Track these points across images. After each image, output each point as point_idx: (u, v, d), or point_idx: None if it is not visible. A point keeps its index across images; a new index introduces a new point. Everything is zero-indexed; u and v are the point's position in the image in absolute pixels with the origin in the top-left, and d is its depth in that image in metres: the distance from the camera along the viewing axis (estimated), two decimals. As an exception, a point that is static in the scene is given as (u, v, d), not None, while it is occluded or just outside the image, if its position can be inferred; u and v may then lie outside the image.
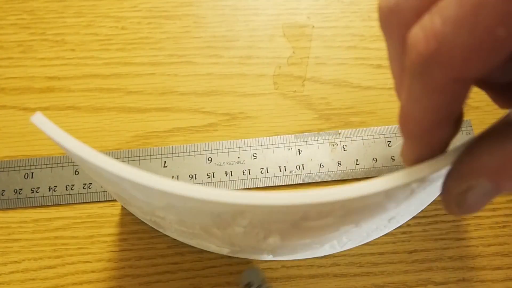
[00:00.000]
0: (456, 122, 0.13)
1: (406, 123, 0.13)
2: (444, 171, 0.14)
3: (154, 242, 0.27)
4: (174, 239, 0.26)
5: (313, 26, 0.33)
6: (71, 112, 0.30)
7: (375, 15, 0.33)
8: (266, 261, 0.26)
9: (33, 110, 0.30)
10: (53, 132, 0.15)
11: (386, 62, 0.31)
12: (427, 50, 0.11)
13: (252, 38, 0.32)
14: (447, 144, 0.14)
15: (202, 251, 0.26)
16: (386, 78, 0.31)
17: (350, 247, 0.25)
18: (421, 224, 0.27)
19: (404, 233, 0.27)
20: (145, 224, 0.27)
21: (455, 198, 0.13)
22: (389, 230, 0.26)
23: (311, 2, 0.33)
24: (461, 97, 0.12)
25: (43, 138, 0.29)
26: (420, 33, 0.11)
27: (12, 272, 0.26)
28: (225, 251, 0.25)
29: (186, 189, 0.13)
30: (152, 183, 0.13)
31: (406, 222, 0.27)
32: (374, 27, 0.32)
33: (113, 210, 0.27)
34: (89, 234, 0.27)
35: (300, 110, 0.30)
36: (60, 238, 0.27)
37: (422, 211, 0.27)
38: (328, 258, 0.26)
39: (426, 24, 0.11)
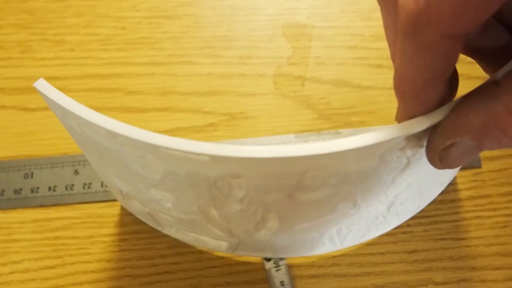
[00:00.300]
0: (451, 83, 0.14)
1: (400, 84, 0.13)
2: None
3: (154, 242, 0.26)
4: (174, 239, 0.26)
5: (313, 26, 0.33)
6: (71, 112, 0.29)
7: (376, 14, 0.33)
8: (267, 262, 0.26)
9: (33, 110, 0.30)
10: (56, 95, 0.15)
11: (386, 62, 0.31)
12: (416, 8, 0.11)
13: (252, 38, 0.32)
14: (441, 105, 0.14)
15: (202, 252, 0.26)
16: (386, 78, 0.31)
17: (351, 244, 0.25)
18: (421, 224, 0.27)
19: (404, 233, 0.27)
20: (145, 224, 0.27)
21: (439, 153, 0.14)
22: (390, 227, 0.26)
23: (311, 2, 0.33)
24: (452, 54, 0.12)
25: (43, 138, 0.29)
26: None
27: (12, 273, 0.26)
28: (223, 246, 0.25)
29: (183, 144, 0.13)
30: (149, 138, 0.14)
31: (406, 221, 0.27)
32: (374, 26, 0.32)
33: (113, 210, 0.27)
34: (89, 234, 0.27)
35: (300, 110, 0.30)
36: (60, 238, 0.27)
37: (422, 210, 0.27)
38: (328, 258, 0.26)
39: None
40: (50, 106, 0.16)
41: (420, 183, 0.21)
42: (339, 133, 0.29)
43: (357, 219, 0.22)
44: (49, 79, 0.30)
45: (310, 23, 0.33)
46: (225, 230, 0.21)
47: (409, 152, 0.16)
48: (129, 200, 0.23)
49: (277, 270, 0.25)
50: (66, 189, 0.27)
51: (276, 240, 0.22)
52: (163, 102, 0.30)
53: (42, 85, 0.15)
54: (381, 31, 0.32)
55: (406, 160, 0.16)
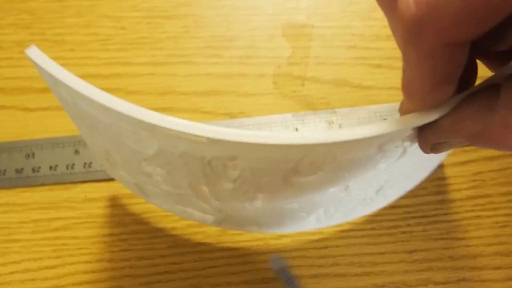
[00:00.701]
0: (466, 77, 0.13)
1: (408, 86, 0.13)
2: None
3: (154, 242, 0.27)
4: (174, 239, 0.26)
5: (313, 26, 0.33)
6: (71, 112, 0.30)
7: (375, 14, 0.33)
8: (266, 261, 0.26)
9: (33, 110, 0.30)
10: (48, 64, 0.15)
11: (386, 62, 0.31)
12: (417, 16, 0.11)
13: (251, 37, 0.32)
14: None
15: (202, 252, 0.26)
16: (386, 78, 0.31)
17: (336, 223, 0.25)
18: (421, 224, 0.27)
19: (404, 232, 0.27)
20: (145, 224, 0.27)
21: (431, 145, 0.15)
22: (376, 208, 0.26)
23: (311, 2, 0.33)
24: (457, 59, 0.12)
25: (43, 138, 0.29)
26: None
27: (12, 273, 0.26)
28: (209, 219, 0.24)
29: (181, 124, 0.13)
30: (147, 117, 0.13)
31: (406, 220, 0.27)
32: (374, 26, 0.32)
33: (113, 210, 0.27)
34: (89, 234, 0.27)
35: (300, 110, 0.30)
36: (60, 239, 0.27)
37: (422, 210, 0.27)
38: (328, 258, 0.26)
39: None
40: (42, 74, 0.16)
41: (411, 168, 0.22)
42: (336, 112, 0.29)
43: (346, 201, 0.22)
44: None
45: (309, 23, 0.33)
46: (213, 205, 0.21)
47: (406, 143, 0.16)
48: (116, 169, 0.22)
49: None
50: (67, 168, 0.28)
51: (263, 217, 0.22)
52: (163, 102, 0.30)
53: (34, 53, 0.15)
54: (381, 31, 0.32)
55: (402, 150, 0.16)
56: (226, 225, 0.25)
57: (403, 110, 0.15)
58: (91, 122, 0.17)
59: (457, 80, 0.13)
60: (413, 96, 0.13)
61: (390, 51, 0.31)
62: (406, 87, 0.13)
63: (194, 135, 0.13)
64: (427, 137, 0.14)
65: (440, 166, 0.28)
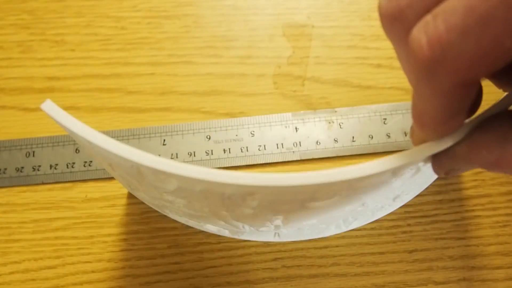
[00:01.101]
0: (472, 107, 0.14)
1: (419, 117, 0.13)
2: None
3: (154, 242, 0.27)
4: (175, 239, 0.26)
5: (313, 26, 0.33)
6: (71, 112, 0.30)
7: (375, 14, 0.33)
8: (266, 261, 0.26)
9: (33, 110, 0.30)
10: (64, 119, 0.15)
11: (386, 62, 0.31)
12: (432, 56, 0.11)
13: (251, 37, 0.32)
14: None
15: (202, 251, 0.26)
16: (386, 77, 0.31)
17: (356, 227, 0.26)
18: (421, 224, 0.27)
19: (404, 232, 0.27)
20: (145, 224, 0.27)
21: (445, 170, 0.15)
22: (392, 210, 0.26)
23: (311, 2, 0.33)
24: (469, 95, 0.12)
25: (43, 136, 0.29)
26: (423, 38, 0.11)
27: (12, 273, 0.26)
28: (226, 232, 0.25)
29: (198, 172, 0.13)
30: (167, 168, 0.14)
31: (406, 220, 0.27)
32: (374, 26, 0.32)
33: (113, 210, 0.27)
34: (89, 234, 0.27)
35: (300, 110, 0.30)
36: (60, 238, 0.27)
37: (422, 210, 0.27)
38: (328, 257, 0.26)
39: (429, 29, 0.11)
40: (59, 124, 0.16)
41: (425, 177, 0.22)
42: (336, 111, 0.29)
43: (364, 211, 0.23)
44: (49, 79, 0.30)
45: (310, 23, 0.33)
46: (233, 224, 0.22)
47: (420, 164, 0.16)
48: (138, 191, 0.23)
49: None
50: (67, 167, 0.28)
51: (283, 230, 0.23)
52: (163, 102, 0.30)
53: (49, 107, 0.15)
54: (381, 31, 0.32)
55: (416, 170, 0.17)
56: (244, 237, 0.25)
57: (415, 138, 0.15)
58: (110, 162, 0.17)
59: (468, 111, 0.13)
60: (425, 127, 0.13)
61: (390, 51, 0.31)
62: (418, 119, 0.13)
63: (211, 182, 0.14)
64: (442, 163, 0.15)
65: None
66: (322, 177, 0.13)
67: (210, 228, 0.25)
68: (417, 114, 0.13)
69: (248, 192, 0.15)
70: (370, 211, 0.24)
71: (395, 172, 0.15)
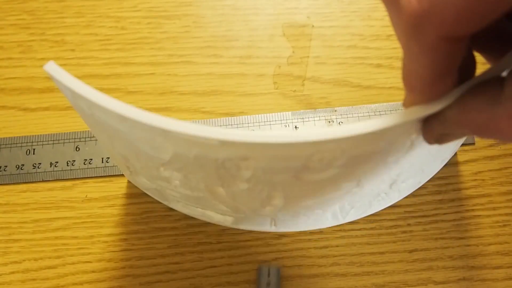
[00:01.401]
0: (466, 68, 0.14)
1: (408, 78, 0.14)
2: None
3: (154, 242, 0.27)
4: (175, 239, 0.26)
5: (313, 26, 0.33)
6: (71, 112, 0.30)
7: (375, 14, 0.33)
8: (266, 261, 0.26)
9: (33, 110, 0.30)
10: (66, 78, 0.15)
11: (386, 62, 0.31)
12: (419, 11, 0.11)
13: (251, 37, 0.32)
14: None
15: (202, 251, 0.26)
16: (386, 77, 0.31)
17: (353, 219, 0.26)
18: (421, 224, 0.27)
19: (404, 232, 0.27)
20: (145, 224, 0.27)
21: (436, 136, 0.15)
22: (391, 202, 0.26)
23: (311, 2, 0.33)
24: (457, 53, 0.12)
25: (44, 134, 0.29)
26: None
27: (12, 273, 0.26)
28: (229, 220, 0.25)
29: (193, 128, 0.14)
30: (159, 123, 0.14)
31: (406, 220, 0.27)
32: (374, 26, 0.32)
33: (113, 210, 0.27)
34: (90, 234, 0.27)
35: (300, 110, 0.30)
36: (61, 238, 0.27)
37: (422, 210, 0.27)
38: (328, 257, 0.26)
39: None
40: (60, 88, 0.17)
41: (422, 162, 0.22)
42: (335, 110, 0.29)
43: (360, 196, 0.23)
44: (49, 79, 0.30)
45: (309, 23, 0.33)
46: (231, 206, 0.22)
47: (413, 135, 0.16)
48: (136, 176, 0.23)
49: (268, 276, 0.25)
50: (67, 164, 0.28)
51: (280, 215, 0.23)
52: (163, 102, 0.30)
53: (52, 68, 0.15)
54: (381, 31, 0.32)
55: (409, 143, 0.17)
56: (244, 226, 0.25)
57: (407, 104, 0.15)
58: (109, 132, 0.17)
59: (456, 73, 0.13)
60: (414, 88, 0.14)
61: (390, 51, 0.31)
62: (407, 80, 0.14)
63: (205, 138, 0.14)
64: (432, 128, 0.15)
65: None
66: (313, 136, 0.13)
67: (213, 216, 0.25)
68: (407, 75, 0.13)
69: (241, 156, 0.15)
70: (366, 198, 0.23)
71: (388, 139, 0.15)
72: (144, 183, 0.24)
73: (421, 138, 0.16)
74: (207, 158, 0.16)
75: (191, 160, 0.16)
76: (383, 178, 0.21)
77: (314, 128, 0.13)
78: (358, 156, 0.16)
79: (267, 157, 0.15)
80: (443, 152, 0.24)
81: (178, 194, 0.22)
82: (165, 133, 0.14)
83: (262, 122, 0.29)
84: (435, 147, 0.17)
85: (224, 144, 0.14)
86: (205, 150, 0.15)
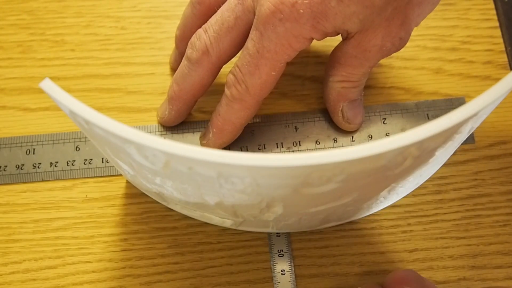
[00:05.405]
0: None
1: (223, 125, 0.25)
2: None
3: (154, 242, 0.27)
4: (175, 239, 0.26)
5: (313, 26, 0.32)
6: (71, 112, 0.30)
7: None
8: (266, 261, 0.26)
9: (33, 110, 0.30)
10: (62, 96, 0.15)
11: (385, 62, 0.31)
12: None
13: (252, 37, 0.32)
14: None
15: (202, 251, 0.26)
16: (386, 77, 0.31)
17: (350, 220, 0.26)
18: (421, 223, 0.27)
19: (404, 232, 0.27)
20: (145, 224, 0.27)
21: (340, 116, 0.27)
22: (388, 204, 0.26)
23: (311, 2, 0.33)
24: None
25: (44, 134, 0.29)
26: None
27: (12, 273, 0.26)
28: (228, 222, 0.25)
29: (189, 150, 0.14)
30: (155, 144, 0.14)
31: (406, 220, 0.27)
32: (374, 26, 0.32)
33: (113, 210, 0.27)
34: (90, 234, 0.27)
35: (300, 110, 0.30)
36: (61, 239, 0.27)
37: (422, 210, 0.27)
38: (328, 257, 0.26)
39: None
40: (57, 103, 0.17)
41: (421, 170, 0.22)
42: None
43: (360, 204, 0.23)
44: (49, 79, 0.30)
45: (309, 23, 0.33)
46: (230, 212, 0.22)
47: (414, 152, 0.16)
48: (135, 177, 0.23)
49: (277, 236, 0.26)
50: (67, 164, 0.28)
51: (281, 219, 0.23)
52: (163, 102, 0.30)
53: (48, 85, 0.15)
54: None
55: (410, 160, 0.17)
56: (244, 227, 0.25)
57: (210, 143, 0.27)
58: (107, 144, 0.18)
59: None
60: (224, 131, 0.26)
61: (390, 50, 0.31)
62: (222, 126, 0.26)
63: (201, 161, 0.14)
64: (333, 110, 0.27)
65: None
66: (309, 160, 0.13)
67: (212, 218, 0.25)
68: (223, 122, 0.25)
69: (237, 175, 0.15)
70: (366, 204, 0.24)
71: (388, 159, 0.15)
72: (143, 185, 0.24)
73: (417, 155, 0.16)
74: (202, 174, 0.16)
75: (185, 173, 0.16)
76: (382, 188, 0.21)
77: (313, 152, 0.13)
78: (357, 173, 0.16)
79: (264, 176, 0.15)
80: (440, 158, 0.24)
81: (176, 199, 0.22)
82: (158, 150, 0.14)
83: (262, 122, 0.29)
84: (432, 158, 0.17)
85: (221, 166, 0.14)
86: (199, 167, 0.15)
